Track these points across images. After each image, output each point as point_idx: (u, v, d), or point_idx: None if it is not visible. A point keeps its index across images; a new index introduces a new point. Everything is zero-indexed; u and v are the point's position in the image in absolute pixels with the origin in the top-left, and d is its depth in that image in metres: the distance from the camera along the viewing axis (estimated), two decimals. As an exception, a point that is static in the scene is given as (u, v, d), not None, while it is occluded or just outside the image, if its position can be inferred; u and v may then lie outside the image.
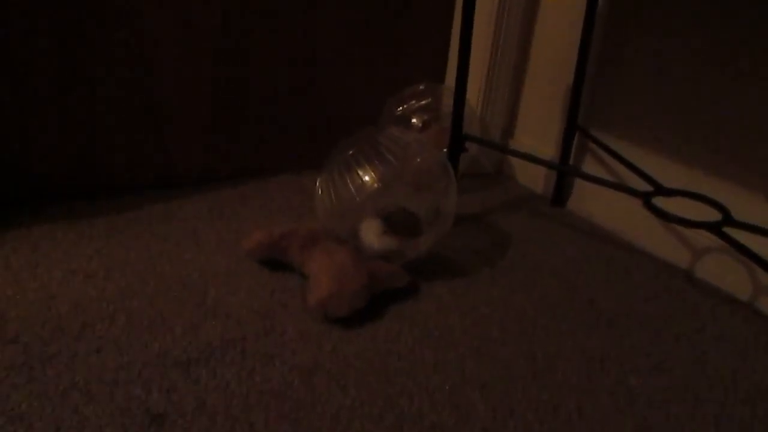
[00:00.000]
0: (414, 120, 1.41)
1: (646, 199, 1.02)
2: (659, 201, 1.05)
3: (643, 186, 1.11)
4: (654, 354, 0.92)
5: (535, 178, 1.49)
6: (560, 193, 1.41)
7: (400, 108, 1.42)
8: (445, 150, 1.26)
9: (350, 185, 1.01)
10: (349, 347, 0.87)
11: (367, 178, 1.01)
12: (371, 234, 1.01)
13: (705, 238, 1.13)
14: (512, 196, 1.45)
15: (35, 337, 0.83)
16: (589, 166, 1.37)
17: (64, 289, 0.94)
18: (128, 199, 1.23)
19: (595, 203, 1.34)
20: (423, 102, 1.42)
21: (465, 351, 0.89)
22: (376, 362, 0.85)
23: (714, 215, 0.98)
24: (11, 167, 1.14)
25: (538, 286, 1.08)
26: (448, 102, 1.35)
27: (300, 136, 1.42)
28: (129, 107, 1.20)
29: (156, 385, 0.77)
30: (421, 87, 1.44)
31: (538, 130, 1.48)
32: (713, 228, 0.97)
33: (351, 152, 1.02)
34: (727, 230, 0.98)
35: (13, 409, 0.71)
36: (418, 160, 1.05)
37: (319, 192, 1.05)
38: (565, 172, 1.38)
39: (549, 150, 1.45)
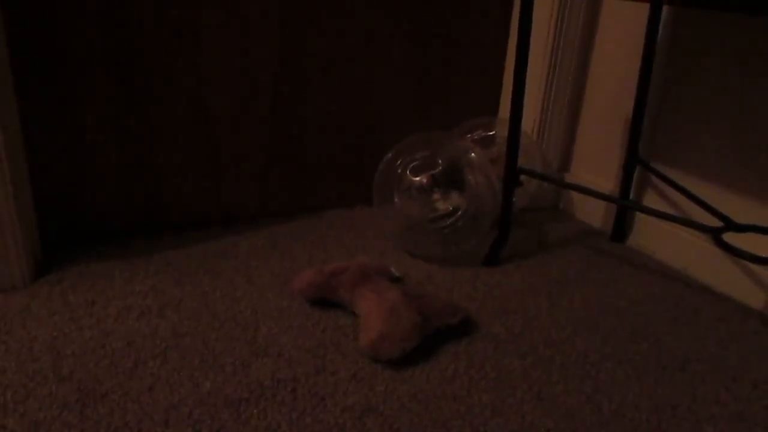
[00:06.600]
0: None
1: (715, 234, 0.96)
2: (730, 237, 1.00)
3: (711, 221, 1.05)
4: (731, 402, 0.85)
5: (593, 214, 1.44)
6: (620, 229, 1.35)
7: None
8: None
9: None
10: (403, 388, 0.84)
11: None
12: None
13: (781, 276, 1.06)
14: (569, 231, 1.40)
15: (89, 375, 0.84)
16: (651, 201, 1.31)
17: (118, 326, 0.95)
18: (184, 236, 1.25)
19: (657, 239, 1.28)
20: (488, 133, 1.41)
21: (524, 395, 0.85)
22: (430, 405, 0.82)
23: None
24: (70, 205, 1.17)
25: (601, 327, 1.02)
26: (503, 134, 1.33)
27: (353, 172, 1.41)
28: (186, 145, 1.22)
29: (206, 425, 0.76)
30: (476, 120, 1.42)
31: (597, 163, 1.44)
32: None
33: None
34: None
35: (65, 448, 0.71)
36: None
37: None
38: (627, 207, 1.33)
39: (608, 184, 1.40)
